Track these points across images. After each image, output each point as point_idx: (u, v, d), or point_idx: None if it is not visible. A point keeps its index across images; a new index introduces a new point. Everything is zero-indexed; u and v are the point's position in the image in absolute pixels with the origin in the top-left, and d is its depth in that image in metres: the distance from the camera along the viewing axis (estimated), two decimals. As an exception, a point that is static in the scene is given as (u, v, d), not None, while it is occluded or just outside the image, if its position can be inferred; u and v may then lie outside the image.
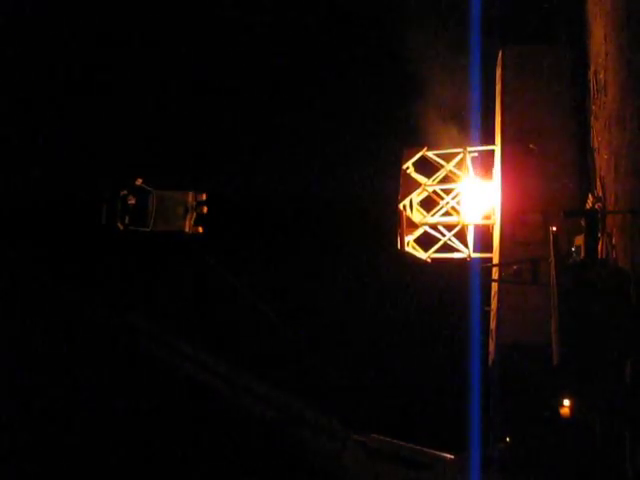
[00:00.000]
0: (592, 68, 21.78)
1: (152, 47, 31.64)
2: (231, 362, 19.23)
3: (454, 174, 23.83)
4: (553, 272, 17.31)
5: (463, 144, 23.78)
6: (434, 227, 24.01)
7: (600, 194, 20.44)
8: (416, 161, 24.03)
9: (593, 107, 21.75)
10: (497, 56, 25.21)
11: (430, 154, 24.04)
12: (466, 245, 23.60)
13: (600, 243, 19.34)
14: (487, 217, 23.77)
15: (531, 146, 23.18)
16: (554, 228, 18.55)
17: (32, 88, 31.04)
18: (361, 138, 30.73)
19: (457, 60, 25.33)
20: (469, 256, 23.60)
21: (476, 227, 24.10)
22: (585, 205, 20.92)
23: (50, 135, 30.29)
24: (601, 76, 20.42)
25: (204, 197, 19.50)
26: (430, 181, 23.88)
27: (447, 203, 23.72)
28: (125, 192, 19.05)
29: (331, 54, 31.56)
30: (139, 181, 19.09)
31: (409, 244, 23.69)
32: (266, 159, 31.19)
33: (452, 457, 18.71)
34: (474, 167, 23.94)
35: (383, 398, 27.03)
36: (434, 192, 23.96)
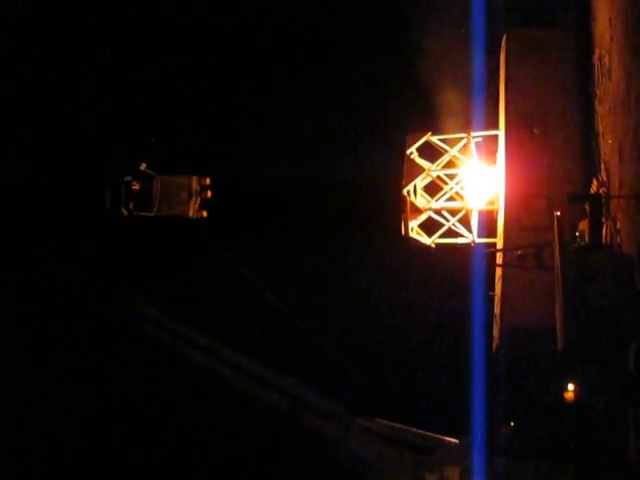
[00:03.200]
0: (597, 52, 21.68)
1: (154, 32, 31.55)
2: (235, 348, 19.27)
3: (458, 159, 23.78)
4: (557, 257, 17.32)
5: (467, 129, 23.72)
6: (438, 212, 23.97)
7: (604, 179, 20.40)
8: (420, 146, 23.98)
9: (597, 91, 21.67)
10: (501, 41, 25.12)
11: (434, 139, 23.97)
12: (470, 230, 23.57)
13: (604, 228, 19.34)
14: (491, 202, 23.73)
15: (535, 131, 23.13)
16: (558, 213, 18.53)
17: (34, 74, 30.99)
18: (365, 123, 30.68)
19: (461, 45, 25.24)
20: (473, 241, 23.57)
21: (480, 212, 24.05)
22: (589, 190, 20.89)
23: (54, 120, 30.25)
24: (606, 60, 20.34)
25: (208, 181, 19.42)
26: (434, 166, 23.83)
27: (451, 188, 23.68)
28: (129, 177, 18.98)
29: (335, 37, 31.45)
30: (143, 166, 19.02)
31: (413, 229, 23.66)
32: (270, 143, 31.17)
33: (456, 442, 18.77)
34: (478, 152, 23.88)
35: (387, 383, 27.10)
36: (438, 177, 23.91)
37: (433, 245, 23.92)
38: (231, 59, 31.96)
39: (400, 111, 28.76)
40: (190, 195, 19.18)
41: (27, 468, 28.80)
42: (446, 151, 23.81)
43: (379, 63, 31.01)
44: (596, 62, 21.69)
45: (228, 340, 19.41)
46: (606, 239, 19.16)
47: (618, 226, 18.74)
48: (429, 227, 24.08)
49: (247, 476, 28.02)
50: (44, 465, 29.07)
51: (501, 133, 24.05)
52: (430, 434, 19.05)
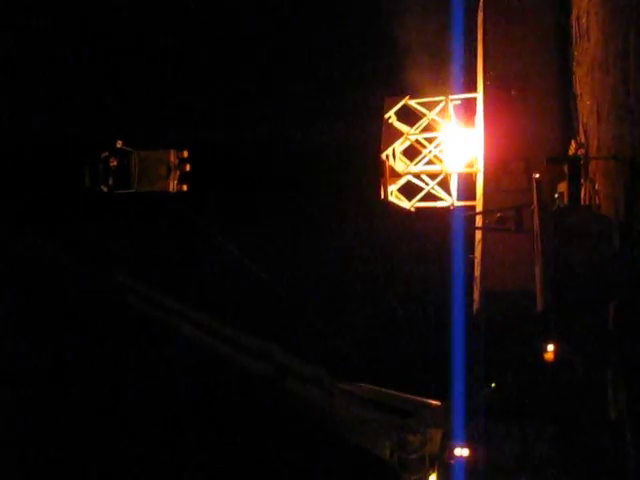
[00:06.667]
0: (574, 13, 21.60)
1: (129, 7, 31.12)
2: (217, 316, 19.26)
3: (437, 122, 23.72)
4: (536, 219, 17.40)
5: (445, 92, 23.63)
6: (417, 176, 23.96)
7: (583, 140, 20.44)
8: (398, 110, 23.88)
9: (575, 53, 21.63)
10: (479, 1, 24.96)
11: (412, 102, 23.87)
12: (450, 193, 23.61)
13: (583, 189, 19.41)
14: (470, 165, 23.74)
15: (513, 93, 23.08)
16: (537, 175, 18.58)
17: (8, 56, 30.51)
18: (343, 87, 30.49)
19: (439, 6, 25.07)
20: (453, 204, 23.62)
21: (459, 175, 24.08)
22: (568, 151, 20.92)
23: (29, 99, 29.82)
24: (583, 21, 20.27)
25: (186, 155, 19.24)
26: (412, 130, 23.76)
27: (430, 152, 23.64)
28: (106, 154, 18.78)
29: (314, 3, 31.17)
30: (119, 143, 18.81)
31: (392, 193, 23.65)
32: (247, 110, 30.92)
33: (438, 404, 18.93)
34: (456, 115, 23.83)
35: (369, 348, 27.24)
36: (417, 141, 23.84)
37: (412, 209, 23.95)
38: (204, 28, 31.57)
39: (378, 74, 28.60)
40: (169, 169, 18.99)
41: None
42: (424, 114, 23.73)
43: (356, 26, 30.77)
44: (574, 23, 21.61)
45: (210, 309, 19.40)
46: (585, 200, 19.24)
47: (597, 187, 18.82)
48: (408, 191, 24.08)
49: (230, 442, 28.22)
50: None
51: (479, 96, 23.98)
52: (412, 397, 19.20)
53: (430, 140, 23.77)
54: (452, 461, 17.64)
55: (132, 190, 18.93)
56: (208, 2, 31.55)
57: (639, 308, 15.10)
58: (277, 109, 30.55)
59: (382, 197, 23.44)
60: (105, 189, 18.81)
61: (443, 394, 19.21)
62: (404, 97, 23.84)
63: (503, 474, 17.18)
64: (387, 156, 23.24)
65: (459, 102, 24.10)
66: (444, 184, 23.59)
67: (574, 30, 21.55)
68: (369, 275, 30.02)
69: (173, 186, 19.11)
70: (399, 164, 23.72)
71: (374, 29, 29.53)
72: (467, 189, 24.27)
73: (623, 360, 15.94)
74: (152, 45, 31.46)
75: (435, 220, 24.58)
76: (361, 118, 26.32)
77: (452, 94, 23.69)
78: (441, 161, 23.60)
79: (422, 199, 23.91)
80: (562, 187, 19.35)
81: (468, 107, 24.27)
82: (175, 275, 26.82)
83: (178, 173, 19.10)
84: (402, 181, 23.84)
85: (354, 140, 25.25)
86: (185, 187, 19.28)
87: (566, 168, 19.23)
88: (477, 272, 23.44)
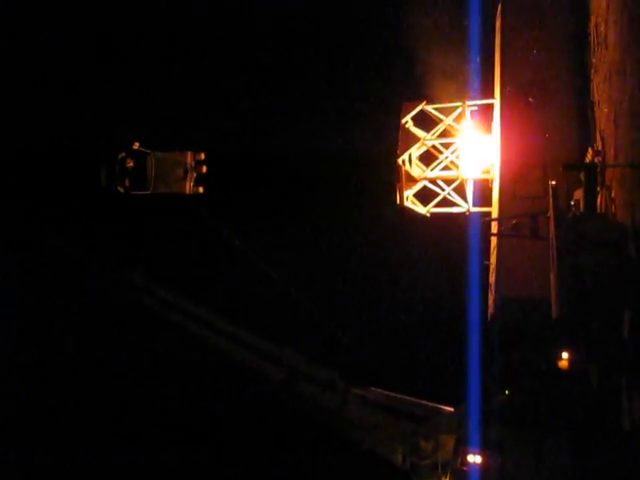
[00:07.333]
0: (593, 20, 21.55)
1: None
2: (231, 319, 19.30)
3: (453, 128, 23.71)
4: (552, 226, 17.36)
5: (462, 98, 23.62)
6: (433, 181, 23.95)
7: (600, 148, 20.38)
8: (415, 115, 23.89)
9: (593, 60, 21.58)
10: (497, 8, 24.95)
11: (429, 108, 23.88)
12: (465, 199, 23.58)
13: (599, 197, 19.34)
14: (486, 171, 23.71)
15: (531, 100, 23.06)
16: (553, 182, 18.55)
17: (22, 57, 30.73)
18: (360, 92, 30.54)
19: (457, 12, 25.08)
20: (468, 210, 23.59)
21: (475, 181, 24.05)
22: (584, 159, 20.87)
23: (44, 100, 30.03)
24: (602, 28, 20.22)
25: (203, 157, 19.28)
26: (429, 135, 23.76)
27: (446, 157, 23.63)
28: (123, 155, 18.84)
29: (328, 5, 31.23)
30: (136, 145, 18.87)
31: (408, 199, 23.66)
32: (264, 113, 31.02)
33: (451, 410, 18.89)
34: (473, 121, 23.81)
35: (382, 352, 27.22)
36: (433, 146, 23.85)
37: (428, 214, 23.94)
38: (225, 30, 31.70)
39: (395, 80, 28.62)
40: (186, 171, 19.03)
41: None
42: (441, 120, 23.73)
43: (374, 31, 30.82)
44: (592, 30, 21.57)
45: (223, 311, 19.44)
46: (601, 208, 19.17)
47: (613, 195, 18.75)
48: (424, 196, 24.07)
49: (241, 445, 28.27)
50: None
51: (496, 102, 23.96)
52: (425, 402, 19.16)
53: (447, 146, 23.76)
54: (464, 468, 17.60)
55: (148, 191, 18.99)
56: (231, 5, 31.68)
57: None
58: (294, 113, 30.63)
59: (398, 202, 23.45)
60: (121, 190, 18.87)
61: (456, 400, 19.17)
62: (421, 102, 23.84)
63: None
64: (403, 161, 23.26)
65: (476, 108, 24.10)
66: (460, 190, 23.56)
67: (592, 37, 21.51)
68: (384, 280, 30.03)
69: (189, 188, 19.15)
70: (415, 169, 23.73)
71: (392, 35, 29.58)
72: (483, 195, 24.24)
73: (638, 369, 15.86)
74: (171, 46, 31.63)
75: (451, 226, 24.56)
76: (378, 123, 26.33)
77: (469, 100, 23.68)
78: (457, 167, 23.59)
79: (438, 205, 23.89)
80: (578, 194, 19.31)
81: (485, 113, 24.26)
82: (190, 277, 26.92)
83: (195, 175, 19.14)
84: (418, 186, 23.84)
85: (370, 145, 25.27)
86: (201, 189, 19.31)
87: (582, 175, 19.17)
88: (492, 278, 23.41)
